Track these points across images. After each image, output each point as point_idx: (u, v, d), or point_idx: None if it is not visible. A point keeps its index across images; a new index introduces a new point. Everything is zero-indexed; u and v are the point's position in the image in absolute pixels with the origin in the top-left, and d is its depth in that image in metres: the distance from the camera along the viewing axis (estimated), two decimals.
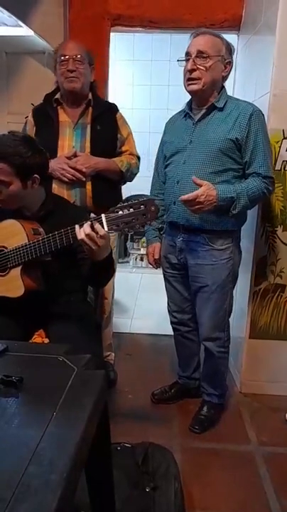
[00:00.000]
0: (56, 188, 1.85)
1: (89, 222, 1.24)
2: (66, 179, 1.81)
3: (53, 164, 1.79)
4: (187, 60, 1.66)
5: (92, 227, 1.22)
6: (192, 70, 1.64)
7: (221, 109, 1.67)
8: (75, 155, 1.83)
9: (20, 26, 2.11)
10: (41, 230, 1.43)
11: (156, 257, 1.94)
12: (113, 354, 2.30)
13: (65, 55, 1.84)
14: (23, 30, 2.16)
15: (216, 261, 1.72)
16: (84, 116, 1.91)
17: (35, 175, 1.42)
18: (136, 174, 2.06)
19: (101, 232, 1.22)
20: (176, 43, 4.09)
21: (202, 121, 1.70)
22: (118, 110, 2.02)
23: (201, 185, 1.55)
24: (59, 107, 1.92)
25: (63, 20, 2.38)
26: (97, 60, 2.33)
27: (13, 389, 0.84)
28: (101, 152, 1.89)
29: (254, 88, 2.08)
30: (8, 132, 1.45)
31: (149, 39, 4.31)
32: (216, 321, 1.80)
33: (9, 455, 0.67)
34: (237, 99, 1.72)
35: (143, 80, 4.51)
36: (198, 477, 1.59)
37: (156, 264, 1.96)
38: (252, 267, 2.02)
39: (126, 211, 1.19)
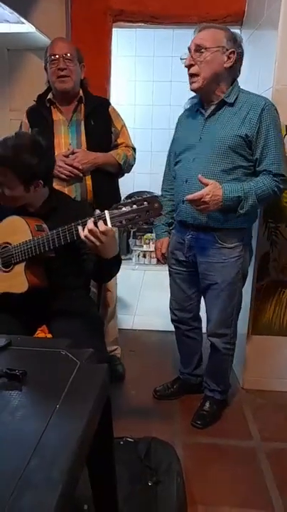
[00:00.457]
0: (56, 184, 1.84)
1: (92, 220, 1.23)
2: (64, 176, 1.83)
3: None
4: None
5: (95, 223, 1.22)
6: (189, 66, 1.62)
7: (231, 105, 1.63)
8: (73, 152, 1.85)
9: (22, 23, 2.12)
10: (45, 226, 1.43)
11: (163, 251, 1.93)
12: (120, 348, 2.32)
13: (54, 54, 1.85)
14: (25, 27, 2.16)
15: (226, 259, 1.71)
16: (77, 113, 1.93)
17: (39, 180, 1.42)
18: (133, 165, 2.07)
19: (102, 227, 1.21)
20: (178, 39, 4.08)
21: (212, 117, 1.67)
22: (110, 104, 2.04)
23: (207, 185, 1.54)
24: (52, 107, 1.94)
25: (65, 17, 2.38)
26: (99, 55, 2.34)
27: (17, 382, 0.84)
28: (97, 146, 1.91)
29: (257, 83, 2.07)
30: (14, 134, 1.44)
31: (151, 35, 4.30)
32: (223, 318, 1.79)
33: (12, 447, 0.68)
34: (249, 93, 1.66)
35: (146, 76, 4.50)
36: (200, 472, 1.60)
37: (163, 259, 1.96)
38: (255, 263, 2.01)
39: (129, 208, 1.18)
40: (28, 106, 2.01)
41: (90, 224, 1.23)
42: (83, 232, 1.24)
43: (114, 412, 0.98)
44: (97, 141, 1.92)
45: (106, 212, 1.21)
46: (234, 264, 1.71)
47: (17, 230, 1.42)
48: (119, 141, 2.03)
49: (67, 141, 1.91)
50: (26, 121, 1.98)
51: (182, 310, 1.95)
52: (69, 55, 1.85)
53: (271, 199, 1.69)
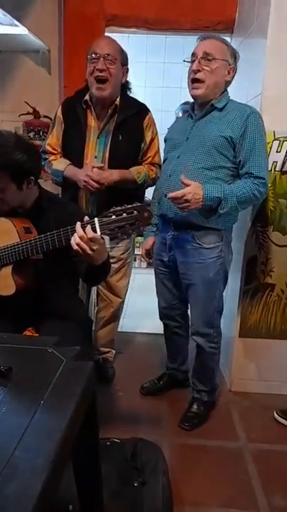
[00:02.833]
0: (80, 196, 1.89)
1: (81, 228, 1.22)
2: (90, 188, 1.79)
3: (78, 175, 1.81)
4: (192, 62, 1.69)
5: (84, 230, 1.22)
6: (197, 71, 1.67)
7: (220, 110, 1.69)
8: (101, 168, 1.80)
9: (15, 25, 2.12)
10: (33, 228, 1.42)
11: (147, 248, 1.98)
12: (113, 351, 2.32)
13: (96, 53, 1.78)
14: (18, 29, 2.16)
15: (203, 259, 1.73)
16: (110, 123, 1.87)
17: (31, 177, 1.42)
18: (154, 183, 2.00)
19: (90, 234, 1.21)
20: (170, 46, 4.12)
21: (201, 119, 1.73)
22: (148, 112, 1.95)
23: (189, 185, 1.57)
24: (88, 110, 1.89)
25: (58, 20, 2.40)
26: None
27: (2, 378, 0.85)
28: (120, 165, 1.86)
29: (246, 90, 2.11)
30: None
31: (144, 41, 4.33)
32: (204, 318, 1.82)
33: None
34: (239, 103, 1.74)
35: (137, 81, 4.51)
36: (187, 473, 1.61)
37: (147, 256, 2.00)
38: (242, 267, 2.04)
39: (119, 216, 1.18)
40: (21, 106, 1.98)
41: (80, 232, 1.22)
42: (74, 242, 1.23)
43: (101, 414, 0.99)
44: (121, 159, 1.86)
45: (95, 219, 1.21)
46: (212, 264, 1.74)
47: (4, 232, 1.40)
48: (145, 157, 1.97)
49: (93, 153, 1.87)
50: (61, 115, 1.93)
51: (169, 308, 1.99)
52: (110, 55, 1.77)
53: (252, 202, 1.73)
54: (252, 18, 2.09)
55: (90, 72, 1.80)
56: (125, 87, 1.95)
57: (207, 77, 1.66)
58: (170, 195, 1.58)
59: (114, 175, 1.82)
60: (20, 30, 2.15)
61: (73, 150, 1.90)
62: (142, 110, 1.95)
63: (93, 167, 1.79)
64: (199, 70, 1.66)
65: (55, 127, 1.98)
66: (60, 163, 1.93)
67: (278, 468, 1.67)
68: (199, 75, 1.66)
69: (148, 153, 1.98)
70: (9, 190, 1.39)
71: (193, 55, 1.69)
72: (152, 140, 1.98)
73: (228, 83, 1.74)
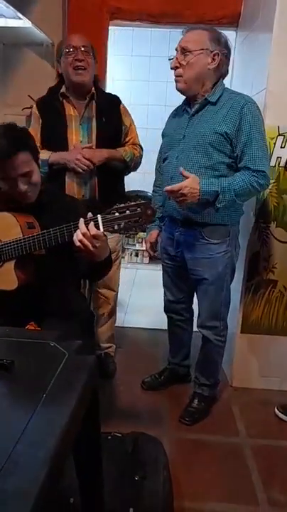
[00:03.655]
0: (70, 183, 1.88)
1: (84, 225, 1.22)
2: (80, 170, 1.82)
3: (68, 156, 1.83)
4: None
5: (87, 226, 1.21)
6: (175, 68, 1.67)
7: (214, 103, 1.67)
8: (91, 147, 1.85)
9: (19, 18, 2.11)
10: (36, 223, 1.42)
11: (151, 241, 1.97)
12: (114, 346, 2.34)
13: (72, 46, 1.84)
14: (22, 22, 2.15)
15: (212, 254, 1.73)
16: (89, 110, 1.92)
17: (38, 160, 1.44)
18: (139, 163, 2.08)
19: (93, 231, 1.21)
20: (175, 39, 4.08)
21: (196, 115, 1.71)
22: (121, 102, 2.04)
23: (187, 178, 1.57)
24: (65, 101, 1.92)
25: (62, 13, 2.38)
26: (95, 53, 2.34)
27: (4, 372, 0.85)
28: (107, 145, 1.91)
29: (251, 85, 2.09)
30: None
31: (148, 35, 4.30)
32: (212, 311, 1.83)
33: None
34: (233, 92, 1.70)
35: (142, 75, 4.51)
36: (187, 467, 1.61)
37: (151, 249, 2.00)
38: (245, 263, 2.03)
39: (122, 213, 1.18)
40: (25, 99, 2.01)
41: (83, 229, 1.22)
42: (77, 238, 1.23)
43: (103, 408, 0.99)
44: (107, 139, 1.92)
45: (98, 216, 1.20)
46: (220, 259, 1.74)
47: (7, 227, 1.40)
48: (127, 138, 2.04)
49: (78, 138, 1.90)
50: (37, 112, 1.96)
51: (175, 301, 2.00)
52: (86, 47, 1.86)
53: (252, 194, 1.71)
54: (257, 13, 2.07)
55: (69, 63, 1.85)
56: (96, 79, 2.00)
57: (184, 72, 1.66)
58: (167, 188, 1.58)
59: (104, 152, 1.88)
60: (23, 23, 2.14)
61: (56, 138, 1.91)
62: (115, 98, 2.04)
63: (82, 148, 1.83)
64: (177, 67, 1.66)
65: (31, 125, 1.99)
66: (43, 154, 1.92)
67: (278, 463, 1.68)
68: (177, 72, 1.67)
69: (129, 135, 2.04)
70: (35, 174, 1.40)
71: (176, 51, 1.69)
72: (131, 125, 2.05)
73: (217, 70, 1.67)
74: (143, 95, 4.51)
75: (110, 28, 2.47)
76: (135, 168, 2.08)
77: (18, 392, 0.82)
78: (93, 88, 1.93)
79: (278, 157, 1.90)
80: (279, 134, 1.88)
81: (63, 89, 1.93)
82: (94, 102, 1.92)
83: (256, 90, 1.99)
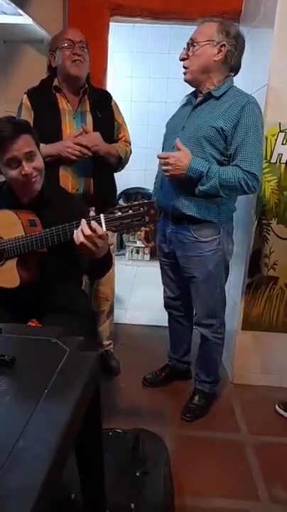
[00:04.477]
0: (64, 175, 1.86)
1: (86, 223, 1.22)
2: (74, 157, 1.80)
3: (60, 146, 1.80)
4: None
5: (90, 227, 1.21)
6: (182, 59, 1.68)
7: (217, 98, 1.65)
8: (86, 132, 1.83)
9: (20, 15, 2.10)
10: (38, 221, 1.41)
11: (146, 229, 1.96)
12: (113, 343, 2.34)
13: (70, 39, 1.84)
14: (22, 19, 2.14)
15: (202, 252, 1.73)
16: (82, 104, 1.91)
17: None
18: (128, 160, 2.08)
19: (100, 231, 1.20)
20: (176, 36, 4.08)
21: (198, 107, 1.71)
22: (112, 98, 2.03)
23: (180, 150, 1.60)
24: (58, 94, 1.91)
25: (62, 9, 2.37)
26: (96, 49, 2.33)
27: (6, 368, 0.85)
28: (103, 139, 1.90)
29: (252, 81, 2.09)
30: None
31: (149, 31, 4.29)
32: (206, 309, 1.83)
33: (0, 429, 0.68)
34: (239, 91, 1.68)
35: (143, 72, 4.50)
36: (188, 464, 1.62)
37: (145, 239, 2.03)
38: (246, 260, 2.03)
39: (124, 212, 1.18)
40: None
41: (86, 230, 1.21)
42: (79, 239, 1.22)
43: (104, 405, 0.99)
44: (103, 134, 1.90)
45: (101, 215, 1.20)
46: (211, 257, 1.73)
47: (9, 225, 1.39)
48: (120, 135, 2.04)
49: (72, 131, 1.88)
50: (28, 103, 1.92)
51: (174, 298, 2.01)
52: (83, 42, 1.87)
53: (238, 192, 1.67)
54: (259, 8, 2.06)
55: (66, 57, 1.84)
56: (88, 75, 1.99)
57: (190, 63, 1.66)
58: (158, 154, 1.64)
59: (107, 146, 1.89)
60: (24, 19, 2.13)
61: (50, 132, 1.88)
62: (108, 94, 2.04)
63: (75, 136, 1.82)
64: (184, 58, 1.68)
65: (22, 115, 1.94)
66: None
67: (279, 460, 1.68)
68: (184, 63, 1.69)
69: (121, 132, 2.04)
70: (38, 158, 1.41)
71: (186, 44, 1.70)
72: (122, 122, 2.06)
73: (224, 62, 1.64)
74: (144, 92, 4.50)
75: (111, 24, 2.46)
76: (124, 166, 2.08)
77: (20, 388, 0.82)
78: (85, 83, 1.93)
79: (279, 154, 1.90)
80: (280, 131, 1.88)
81: (56, 83, 1.91)
82: (86, 96, 1.92)
83: (258, 86, 1.98)
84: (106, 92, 2.06)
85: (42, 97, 1.91)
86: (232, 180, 1.58)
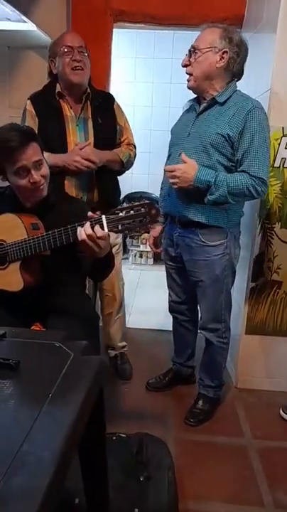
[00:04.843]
0: (67, 183, 1.87)
1: (89, 224, 1.23)
2: (81, 170, 1.81)
3: (66, 159, 1.81)
4: None
5: (93, 228, 1.22)
6: (185, 66, 1.69)
7: (222, 104, 1.66)
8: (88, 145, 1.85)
9: (24, 21, 2.12)
10: (40, 224, 1.42)
11: (155, 235, 1.97)
12: (126, 344, 2.34)
13: (69, 46, 1.83)
14: (26, 25, 2.16)
15: (209, 256, 1.73)
16: (85, 111, 1.92)
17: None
18: (133, 163, 2.08)
19: (99, 233, 1.22)
20: (179, 41, 4.10)
21: (203, 114, 1.71)
22: (114, 100, 2.03)
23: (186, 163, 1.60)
24: (61, 101, 1.91)
25: (66, 16, 2.39)
26: (100, 55, 2.35)
27: (11, 371, 0.86)
28: (104, 145, 1.91)
29: (254, 86, 2.09)
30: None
31: (152, 36, 4.32)
32: (212, 314, 1.83)
33: (4, 433, 0.69)
34: (243, 95, 1.68)
35: (146, 77, 4.52)
36: (192, 468, 1.61)
37: (154, 244, 2.00)
38: (249, 264, 2.03)
39: (126, 213, 1.18)
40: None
41: (88, 229, 1.22)
42: (80, 238, 1.24)
43: (107, 409, 1.00)
44: (104, 140, 1.91)
45: (103, 216, 1.21)
46: (218, 261, 1.73)
47: (12, 228, 1.40)
48: (122, 138, 2.03)
49: (76, 139, 1.89)
50: (32, 109, 1.92)
51: (178, 302, 2.00)
52: (83, 47, 1.85)
53: (247, 198, 1.67)
54: (261, 13, 2.07)
55: (66, 64, 1.84)
56: (89, 79, 1.98)
57: (193, 70, 1.67)
58: (165, 167, 1.64)
59: (108, 154, 1.90)
60: (28, 26, 2.15)
61: (56, 139, 1.88)
62: (110, 96, 2.04)
63: (80, 148, 1.82)
64: (187, 65, 1.68)
65: (26, 122, 1.94)
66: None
67: (283, 464, 1.67)
68: (187, 69, 1.69)
69: (124, 135, 2.03)
70: (45, 165, 1.42)
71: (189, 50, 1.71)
72: (125, 124, 2.04)
73: (227, 69, 1.64)
74: (147, 97, 4.52)
75: (114, 30, 2.48)
76: (128, 169, 2.08)
77: (24, 392, 0.83)
78: (87, 88, 1.92)
79: (282, 158, 1.90)
80: (283, 135, 1.88)
81: (59, 89, 1.90)
82: (89, 102, 1.92)
83: (260, 92, 1.99)
84: (109, 94, 2.06)
85: (45, 103, 1.91)
86: (240, 186, 1.58)
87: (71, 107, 1.91)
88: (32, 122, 1.91)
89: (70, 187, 1.88)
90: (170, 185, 1.70)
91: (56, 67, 1.90)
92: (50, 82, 1.97)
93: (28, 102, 1.93)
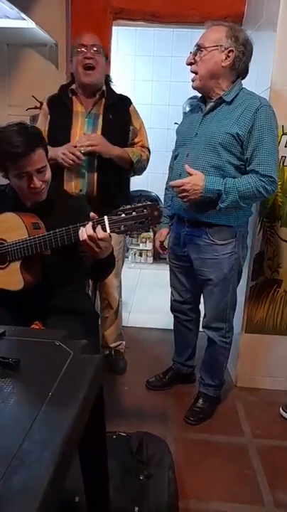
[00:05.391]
0: (67, 175, 1.88)
1: (91, 224, 1.23)
2: (67, 164, 1.82)
3: (57, 151, 1.81)
4: None
5: (94, 228, 1.22)
6: (189, 64, 1.67)
7: (229, 103, 1.64)
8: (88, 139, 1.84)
9: (23, 19, 2.11)
10: (41, 224, 1.42)
11: (161, 239, 1.97)
12: (123, 343, 2.35)
13: (83, 44, 1.87)
14: (25, 23, 2.15)
15: (218, 255, 1.73)
16: (97, 107, 1.93)
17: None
18: (145, 168, 2.07)
19: (101, 234, 1.21)
20: (179, 39, 4.09)
21: (210, 114, 1.70)
22: (131, 103, 2.04)
23: (192, 175, 1.58)
24: (74, 97, 1.94)
25: (65, 13, 2.38)
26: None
27: (10, 370, 0.85)
28: (112, 141, 1.90)
29: (255, 84, 2.08)
30: (7, 124, 1.41)
31: (151, 34, 4.31)
32: (217, 312, 1.82)
33: (4, 431, 0.69)
34: (250, 93, 1.67)
35: (145, 75, 4.51)
36: (192, 467, 1.61)
37: (161, 248, 1.99)
38: (249, 262, 2.03)
39: (128, 214, 1.18)
40: (29, 99, 2.02)
41: (89, 230, 1.22)
42: (81, 238, 1.24)
43: (107, 408, 0.99)
44: (113, 136, 1.91)
45: (105, 217, 1.20)
46: (226, 260, 1.73)
47: (13, 228, 1.40)
48: (136, 140, 2.03)
49: (82, 131, 1.91)
50: (46, 108, 1.99)
51: (181, 301, 2.00)
52: (96, 46, 1.88)
53: (257, 199, 1.69)
54: (261, 11, 2.06)
55: (79, 62, 1.87)
56: (107, 79, 2.01)
57: (199, 68, 1.65)
58: (171, 183, 1.60)
59: (116, 149, 1.88)
60: (27, 24, 2.15)
61: (60, 134, 1.91)
62: (127, 98, 2.05)
63: (83, 136, 1.84)
64: (191, 63, 1.66)
65: (39, 120, 2.02)
66: None
67: (284, 464, 1.67)
68: (191, 68, 1.68)
69: (139, 137, 2.04)
70: (48, 171, 1.41)
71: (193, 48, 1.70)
72: (141, 127, 2.05)
73: (232, 68, 1.63)
74: (147, 95, 4.51)
75: (113, 27, 2.47)
76: (140, 171, 2.06)
77: (24, 391, 0.82)
78: (103, 87, 1.94)
79: (282, 156, 1.90)
80: (283, 133, 1.88)
81: (73, 86, 1.95)
82: (103, 99, 1.93)
83: (260, 90, 1.98)
84: (126, 97, 2.06)
85: (58, 100, 1.97)
86: (250, 189, 1.58)
87: (82, 103, 1.94)
88: (44, 119, 1.98)
89: (69, 178, 1.89)
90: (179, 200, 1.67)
91: (72, 67, 1.94)
92: (69, 82, 2.02)
93: (45, 101, 2.02)
